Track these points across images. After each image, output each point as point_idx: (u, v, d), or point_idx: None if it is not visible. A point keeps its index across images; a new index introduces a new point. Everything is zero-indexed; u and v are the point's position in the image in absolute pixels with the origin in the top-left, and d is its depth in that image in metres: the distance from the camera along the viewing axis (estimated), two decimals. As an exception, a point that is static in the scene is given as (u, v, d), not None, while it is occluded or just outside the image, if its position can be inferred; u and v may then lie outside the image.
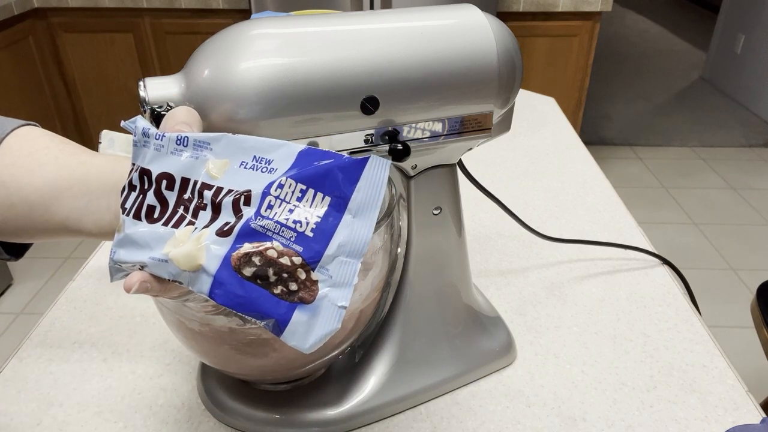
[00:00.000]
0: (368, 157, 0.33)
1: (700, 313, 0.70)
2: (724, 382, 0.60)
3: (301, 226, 0.32)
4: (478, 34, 0.43)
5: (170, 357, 0.63)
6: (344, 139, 0.42)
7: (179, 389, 0.59)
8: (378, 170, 0.33)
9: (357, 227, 0.33)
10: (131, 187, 0.35)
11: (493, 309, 0.66)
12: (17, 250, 0.47)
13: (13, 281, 2.05)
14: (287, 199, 0.33)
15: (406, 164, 0.48)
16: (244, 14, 2.10)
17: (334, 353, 0.51)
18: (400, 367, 0.56)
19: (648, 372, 0.61)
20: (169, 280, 0.33)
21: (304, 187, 0.33)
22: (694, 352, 0.63)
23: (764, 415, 0.53)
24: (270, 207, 0.32)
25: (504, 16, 2.07)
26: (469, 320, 0.60)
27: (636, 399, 0.58)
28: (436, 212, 0.52)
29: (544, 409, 0.57)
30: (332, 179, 0.33)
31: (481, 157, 1.08)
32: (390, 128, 0.43)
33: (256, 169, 0.34)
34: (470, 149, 0.50)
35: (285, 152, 0.34)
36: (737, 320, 1.89)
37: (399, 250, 0.54)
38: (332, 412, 0.54)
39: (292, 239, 0.32)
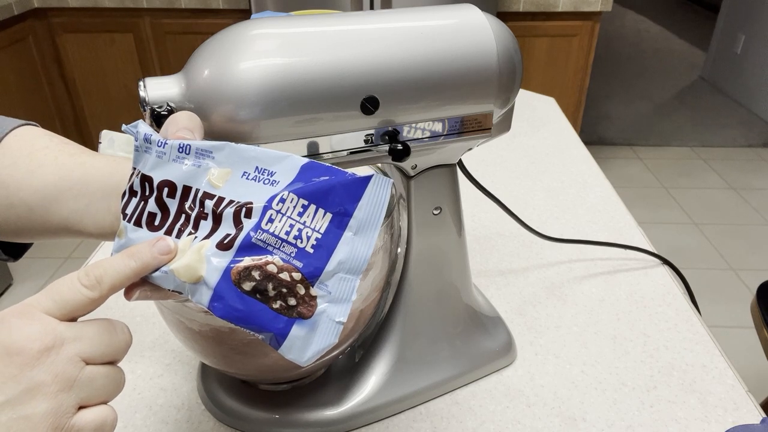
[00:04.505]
0: (371, 176, 0.33)
1: (700, 313, 0.70)
2: (724, 382, 0.60)
3: (301, 242, 0.33)
4: (478, 34, 0.43)
5: (170, 357, 0.63)
6: (344, 139, 0.42)
7: (179, 389, 0.59)
8: (380, 189, 0.33)
9: (357, 245, 0.33)
10: (132, 192, 0.35)
11: (493, 309, 0.66)
12: (16, 251, 0.47)
13: (13, 281, 2.05)
14: (288, 214, 0.33)
15: (406, 164, 0.48)
16: (244, 14, 2.10)
17: (334, 353, 0.51)
18: (400, 367, 0.56)
19: (648, 372, 0.61)
20: (169, 290, 0.33)
21: (305, 203, 0.33)
22: (694, 352, 0.63)
23: (764, 415, 0.53)
24: (271, 221, 0.33)
25: (504, 16, 2.07)
26: (469, 320, 0.60)
27: (636, 399, 0.58)
28: (436, 212, 0.52)
29: (544, 409, 0.57)
30: (334, 196, 0.33)
31: (481, 157, 1.08)
32: (390, 128, 0.43)
33: (258, 181, 0.34)
34: (470, 149, 0.50)
35: (288, 165, 0.34)
36: (737, 320, 1.89)
37: (399, 250, 0.54)
38: (332, 412, 0.54)
39: (293, 254, 0.32)
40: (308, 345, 0.33)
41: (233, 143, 0.34)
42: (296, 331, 0.32)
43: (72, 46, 2.21)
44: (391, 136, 0.43)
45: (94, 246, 1.53)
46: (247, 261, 0.32)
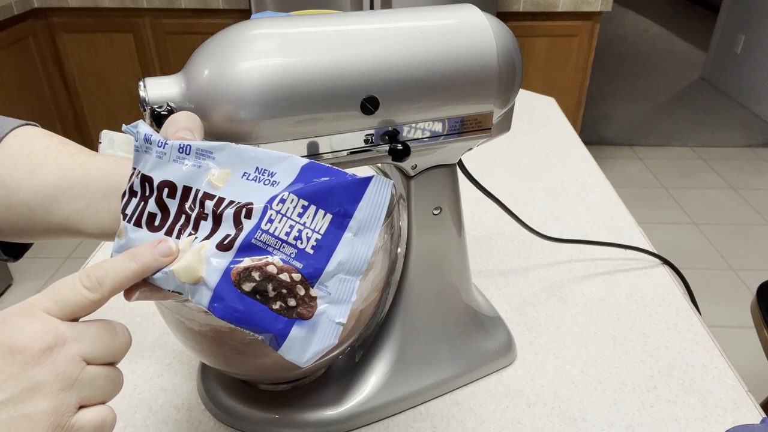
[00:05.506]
0: (371, 177, 0.33)
1: (700, 313, 0.70)
2: (724, 382, 0.60)
3: (301, 243, 0.33)
4: (478, 34, 0.43)
5: (170, 357, 0.63)
6: (344, 139, 0.42)
7: (179, 389, 0.59)
8: (380, 190, 0.33)
9: (357, 246, 0.33)
10: (132, 192, 0.35)
11: (493, 309, 0.66)
12: (16, 251, 0.47)
13: (13, 281, 2.05)
14: (288, 215, 0.33)
15: (406, 164, 0.48)
16: (244, 14, 2.10)
17: (334, 353, 0.51)
18: (400, 367, 0.56)
19: (648, 372, 0.61)
20: (169, 291, 0.34)
21: (306, 203, 0.33)
22: (694, 352, 0.63)
23: (764, 415, 0.53)
24: (271, 221, 0.33)
25: (504, 16, 2.07)
26: (469, 320, 0.60)
27: (636, 399, 0.58)
28: (436, 212, 0.52)
29: (544, 409, 0.57)
30: (334, 197, 0.33)
31: (481, 157, 1.08)
32: (390, 128, 0.43)
33: (259, 181, 0.34)
34: (470, 149, 0.50)
35: (288, 165, 0.34)
36: (737, 320, 1.89)
37: (399, 250, 0.54)
38: (332, 412, 0.54)
39: (293, 255, 0.32)
40: (308, 346, 0.33)
41: (233, 144, 0.34)
42: (296, 331, 0.32)
43: (72, 46, 2.21)
44: (391, 136, 0.43)
45: (94, 246, 1.53)
46: (246, 262, 0.32)
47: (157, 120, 0.38)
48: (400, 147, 0.43)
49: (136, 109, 2.34)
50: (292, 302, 0.32)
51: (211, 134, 0.39)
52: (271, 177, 0.34)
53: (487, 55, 0.43)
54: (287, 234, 0.33)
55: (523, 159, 1.07)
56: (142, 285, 0.34)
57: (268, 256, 0.32)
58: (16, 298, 2.00)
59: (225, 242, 0.33)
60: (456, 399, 0.58)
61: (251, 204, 0.33)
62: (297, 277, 0.32)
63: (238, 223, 0.33)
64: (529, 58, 2.15)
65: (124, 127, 0.36)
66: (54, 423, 0.29)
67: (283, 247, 0.32)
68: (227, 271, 0.32)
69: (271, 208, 0.33)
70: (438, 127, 0.45)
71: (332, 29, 0.40)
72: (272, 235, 0.32)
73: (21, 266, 2.12)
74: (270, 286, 0.32)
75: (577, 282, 0.74)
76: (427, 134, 0.45)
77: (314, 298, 0.33)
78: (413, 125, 0.44)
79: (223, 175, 0.34)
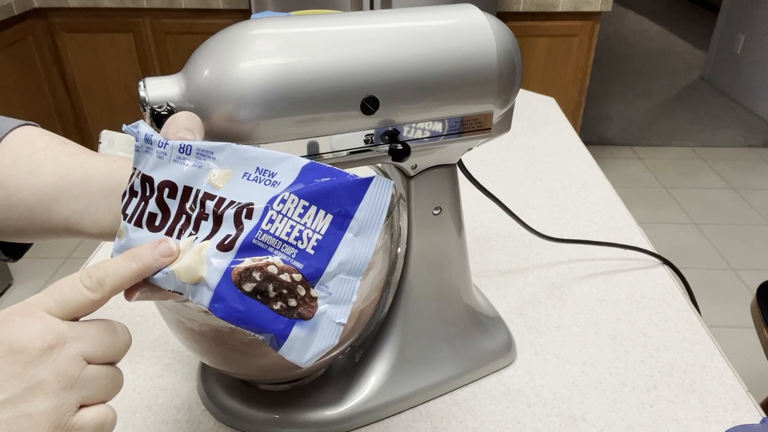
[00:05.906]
0: (372, 177, 0.33)
1: (700, 313, 0.70)
2: (724, 382, 0.60)
3: (302, 243, 0.33)
4: (478, 34, 0.43)
5: (170, 357, 0.63)
6: (344, 139, 0.42)
7: (179, 389, 0.59)
8: (381, 191, 0.34)
9: (358, 246, 0.33)
10: (132, 192, 0.35)
11: (493, 309, 0.66)
12: (16, 251, 0.47)
13: (13, 281, 2.05)
14: (289, 215, 0.33)
15: (406, 164, 0.48)
16: (244, 14, 2.10)
17: (334, 353, 0.51)
18: (400, 367, 0.56)
19: (648, 372, 0.61)
20: (170, 291, 0.34)
21: (306, 204, 0.33)
22: (694, 352, 0.63)
23: (764, 415, 0.53)
24: (271, 221, 0.33)
25: (504, 16, 2.07)
26: (469, 320, 0.60)
27: (636, 399, 0.58)
28: (436, 212, 0.52)
29: (544, 409, 0.57)
30: (335, 197, 0.33)
31: (481, 157, 1.08)
32: (390, 128, 0.43)
33: (259, 182, 0.34)
34: (470, 149, 0.50)
35: (289, 166, 0.34)
36: (737, 320, 1.89)
37: (399, 250, 0.54)
38: (332, 412, 0.54)
39: (293, 255, 0.32)
40: (308, 346, 0.33)
41: (234, 144, 0.34)
42: (296, 332, 0.32)
43: (72, 46, 2.21)
44: (391, 136, 0.43)
45: (94, 246, 1.53)
46: (247, 262, 0.32)
47: (157, 120, 0.38)
48: (400, 147, 0.43)
49: (136, 109, 2.34)
50: (292, 302, 0.32)
51: (211, 134, 0.39)
52: (272, 177, 0.34)
53: (487, 55, 0.43)
54: (288, 234, 0.33)
55: (523, 159, 1.07)
56: (143, 285, 0.34)
57: (269, 256, 0.32)
58: (16, 298, 2.00)
59: (226, 242, 0.33)
60: (456, 399, 0.58)
61: (252, 204, 0.33)
62: (298, 277, 0.32)
63: (238, 224, 0.33)
64: (529, 58, 2.15)
65: (124, 127, 0.36)
66: (55, 422, 0.29)
67: (284, 248, 0.32)
68: (228, 272, 0.32)
69: (272, 209, 0.33)
70: (438, 127, 0.45)
71: (332, 29, 0.40)
72: (273, 235, 0.33)
73: (21, 266, 2.12)
74: (271, 287, 0.32)
75: (577, 282, 0.74)
76: (427, 134, 0.45)
77: (315, 299, 0.33)
78: (413, 125, 0.44)
79: (224, 175, 0.34)
